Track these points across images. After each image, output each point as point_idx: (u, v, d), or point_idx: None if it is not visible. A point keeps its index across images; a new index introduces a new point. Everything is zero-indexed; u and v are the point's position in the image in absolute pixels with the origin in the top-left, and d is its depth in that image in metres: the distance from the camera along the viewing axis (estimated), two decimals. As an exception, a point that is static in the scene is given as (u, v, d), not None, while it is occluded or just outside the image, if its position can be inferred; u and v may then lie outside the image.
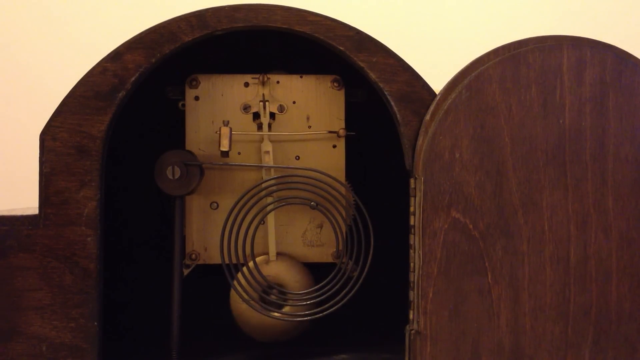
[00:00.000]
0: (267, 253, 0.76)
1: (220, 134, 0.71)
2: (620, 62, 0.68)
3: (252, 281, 0.72)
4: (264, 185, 0.74)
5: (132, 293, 0.87)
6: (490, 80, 0.66)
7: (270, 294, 0.73)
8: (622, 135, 0.67)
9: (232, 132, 0.72)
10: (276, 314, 0.73)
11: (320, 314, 0.71)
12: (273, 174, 0.75)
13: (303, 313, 0.72)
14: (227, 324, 0.77)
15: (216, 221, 0.76)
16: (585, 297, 0.67)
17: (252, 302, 0.72)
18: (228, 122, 0.72)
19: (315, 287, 0.73)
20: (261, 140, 0.76)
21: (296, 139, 0.77)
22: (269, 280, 0.73)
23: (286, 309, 0.74)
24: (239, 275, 0.72)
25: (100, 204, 0.67)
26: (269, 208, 0.74)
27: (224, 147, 0.71)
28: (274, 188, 0.74)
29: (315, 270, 0.76)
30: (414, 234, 0.66)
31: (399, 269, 0.74)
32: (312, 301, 0.73)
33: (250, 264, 0.73)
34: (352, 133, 0.77)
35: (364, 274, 0.71)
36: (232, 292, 0.74)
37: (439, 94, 0.67)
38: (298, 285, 0.74)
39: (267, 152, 0.76)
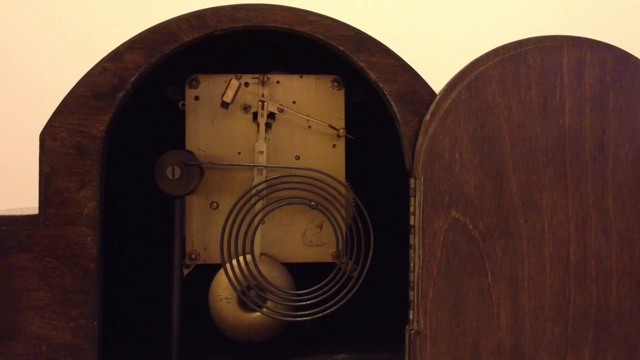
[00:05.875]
0: (266, 253, 0.76)
1: (228, 85, 0.71)
2: (620, 62, 0.68)
3: (250, 279, 0.72)
4: (263, 185, 0.74)
5: (132, 293, 0.87)
6: (490, 80, 0.66)
7: (258, 293, 0.73)
8: (622, 135, 0.67)
9: (239, 93, 0.72)
10: (270, 312, 0.73)
11: (320, 314, 0.71)
12: (265, 174, 0.75)
13: (303, 313, 0.72)
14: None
15: (216, 221, 0.76)
16: (585, 297, 0.67)
17: (251, 302, 0.72)
18: (241, 76, 0.72)
19: (315, 287, 0.73)
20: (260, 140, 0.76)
21: (296, 137, 0.77)
22: (250, 280, 0.73)
23: (268, 304, 0.73)
24: (232, 273, 0.72)
25: (100, 204, 0.67)
26: (267, 208, 0.74)
27: (227, 98, 0.71)
28: (273, 188, 0.74)
29: (315, 271, 0.76)
30: (414, 234, 0.66)
31: (399, 269, 0.74)
32: (312, 301, 0.72)
33: (250, 261, 0.72)
34: (351, 137, 0.77)
35: (364, 274, 0.71)
36: (211, 288, 0.74)
37: (439, 94, 0.67)
38: (279, 285, 0.74)
39: (261, 152, 0.76)
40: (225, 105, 0.72)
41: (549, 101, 0.67)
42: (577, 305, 0.67)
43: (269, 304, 0.73)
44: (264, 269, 0.74)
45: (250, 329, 0.74)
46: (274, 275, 0.74)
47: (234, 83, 0.71)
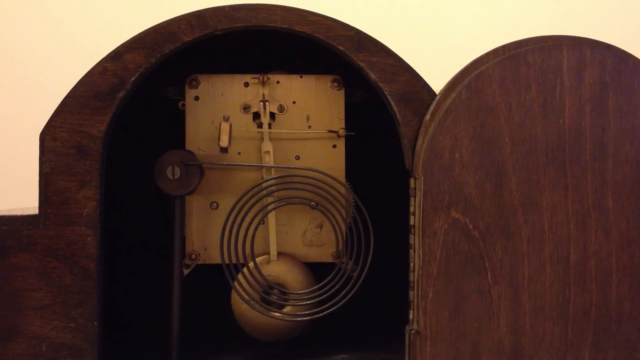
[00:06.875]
0: (267, 253, 0.76)
1: (220, 130, 0.71)
2: (620, 62, 0.68)
3: (252, 281, 0.72)
4: (263, 185, 0.74)
5: (132, 293, 0.87)
6: (490, 80, 0.66)
7: (271, 293, 0.73)
8: (622, 135, 0.67)
9: (232, 129, 0.72)
10: (276, 313, 0.73)
11: (320, 314, 0.71)
12: (273, 174, 0.75)
13: (303, 313, 0.72)
14: (227, 324, 0.77)
15: (216, 221, 0.76)
16: (585, 297, 0.67)
17: (252, 302, 0.72)
18: (228, 117, 0.72)
19: (315, 287, 0.73)
20: (261, 140, 0.76)
21: (296, 137, 0.77)
22: (269, 280, 0.73)
23: (287, 308, 0.74)
24: (240, 275, 0.72)
25: (100, 204, 0.67)
26: (269, 208, 0.74)
27: (224, 143, 0.71)
28: (274, 188, 0.74)
29: (315, 270, 0.76)
30: (414, 234, 0.66)
31: (399, 269, 0.74)
32: (312, 301, 0.73)
33: (251, 264, 0.72)
34: (352, 133, 0.77)
35: (364, 274, 0.71)
36: (233, 292, 0.74)
37: (439, 94, 0.67)
38: (299, 285, 0.74)
39: (268, 152, 0.76)
40: (224, 150, 0.72)
41: (549, 101, 0.67)
42: (577, 305, 0.67)
43: (287, 307, 0.73)
44: (283, 268, 0.74)
45: (277, 328, 0.74)
46: (293, 274, 0.74)
47: (225, 126, 0.71)
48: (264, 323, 0.74)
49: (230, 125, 0.72)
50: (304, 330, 0.76)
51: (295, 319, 0.73)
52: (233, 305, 0.75)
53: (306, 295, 0.73)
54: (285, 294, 0.73)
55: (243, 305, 0.73)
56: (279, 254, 0.75)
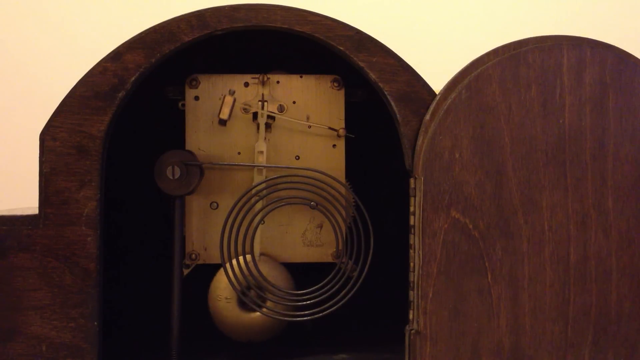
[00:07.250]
0: (266, 253, 0.76)
1: (222, 102, 0.71)
2: (620, 62, 0.68)
3: (250, 279, 0.72)
4: (263, 185, 0.74)
5: (132, 293, 0.87)
6: (490, 80, 0.66)
7: (266, 292, 0.73)
8: (622, 135, 0.67)
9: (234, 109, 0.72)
10: (269, 312, 0.73)
11: (320, 314, 0.71)
12: (265, 174, 0.75)
13: (303, 313, 0.72)
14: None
15: (216, 221, 0.76)
16: (585, 297, 0.67)
17: (250, 302, 0.72)
18: (234, 91, 0.72)
19: (315, 287, 0.73)
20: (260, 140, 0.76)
21: (296, 130, 0.77)
22: (269, 281, 0.73)
23: (269, 305, 0.73)
24: (232, 273, 0.72)
25: (100, 204, 0.67)
26: (267, 208, 0.74)
27: (224, 115, 0.71)
28: (264, 192, 0.74)
29: (315, 271, 0.76)
30: (414, 234, 0.66)
31: (399, 269, 0.74)
32: (312, 301, 0.72)
33: (250, 261, 0.72)
34: (352, 135, 0.77)
35: (364, 274, 0.71)
36: (211, 288, 0.74)
37: (439, 94, 0.67)
38: (279, 285, 0.74)
39: (261, 152, 0.76)
40: (222, 122, 0.72)
41: (549, 101, 0.67)
42: (577, 305, 0.67)
43: (268, 304, 0.73)
44: (264, 269, 0.74)
45: (250, 329, 0.74)
46: (274, 275, 0.74)
47: (229, 99, 0.72)
48: (239, 323, 0.74)
49: (234, 100, 0.72)
50: (280, 333, 0.76)
51: (295, 319, 0.72)
52: (210, 303, 0.75)
53: (305, 295, 0.73)
54: (278, 294, 0.73)
55: (219, 302, 0.73)
56: (260, 254, 0.75)
